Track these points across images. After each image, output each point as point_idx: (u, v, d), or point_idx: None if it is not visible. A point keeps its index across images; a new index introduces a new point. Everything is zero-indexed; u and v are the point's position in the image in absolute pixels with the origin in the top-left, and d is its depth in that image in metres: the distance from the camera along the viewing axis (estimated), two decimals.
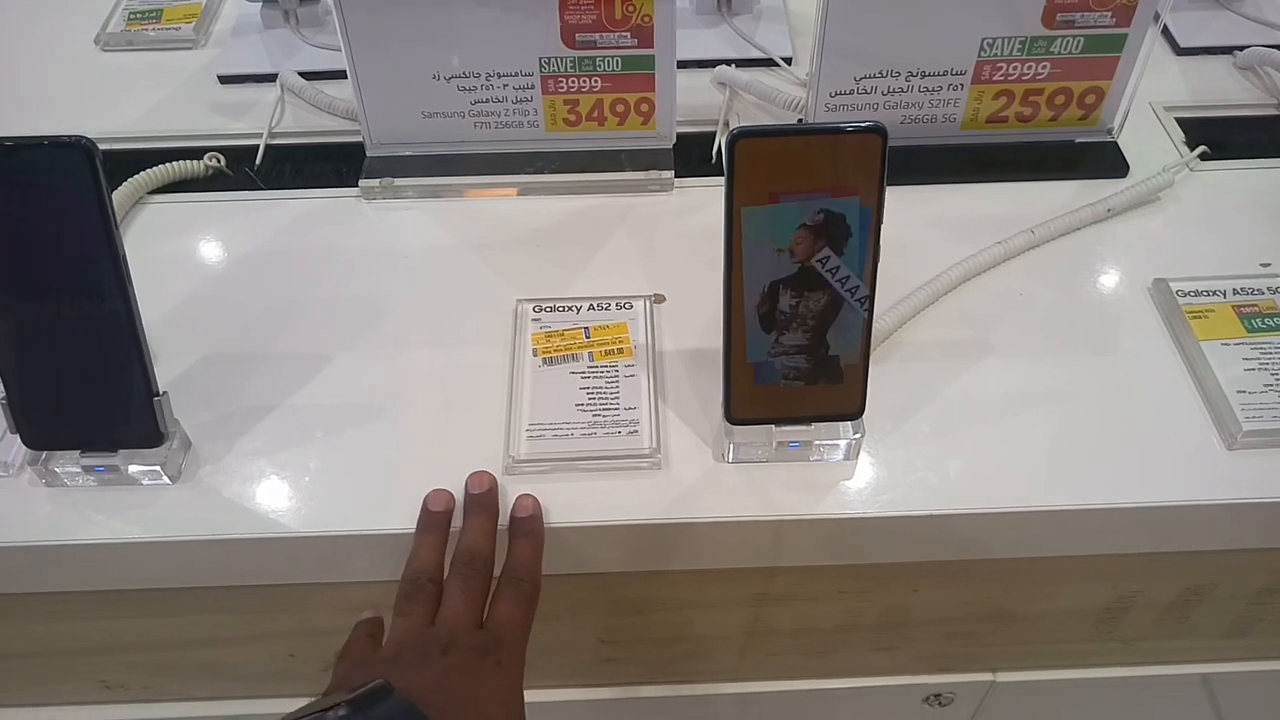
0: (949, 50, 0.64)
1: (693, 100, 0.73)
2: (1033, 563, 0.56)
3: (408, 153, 0.69)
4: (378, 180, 0.68)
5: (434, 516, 0.51)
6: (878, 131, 0.44)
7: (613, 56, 0.65)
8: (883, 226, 0.46)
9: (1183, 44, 0.76)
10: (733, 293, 0.48)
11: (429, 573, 0.49)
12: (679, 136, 0.70)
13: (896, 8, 0.62)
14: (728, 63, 0.75)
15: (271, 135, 0.73)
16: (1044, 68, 0.65)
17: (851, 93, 0.66)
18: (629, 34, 0.64)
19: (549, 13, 0.63)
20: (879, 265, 0.47)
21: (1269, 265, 0.61)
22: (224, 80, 0.77)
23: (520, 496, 0.52)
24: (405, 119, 0.68)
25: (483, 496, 0.52)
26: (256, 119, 0.74)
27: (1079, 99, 0.67)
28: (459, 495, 0.52)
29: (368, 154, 0.69)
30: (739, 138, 0.45)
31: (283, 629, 0.59)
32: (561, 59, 0.65)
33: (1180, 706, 0.72)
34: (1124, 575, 0.58)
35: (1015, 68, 0.65)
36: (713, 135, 0.71)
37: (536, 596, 0.50)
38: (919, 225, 0.64)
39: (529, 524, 0.51)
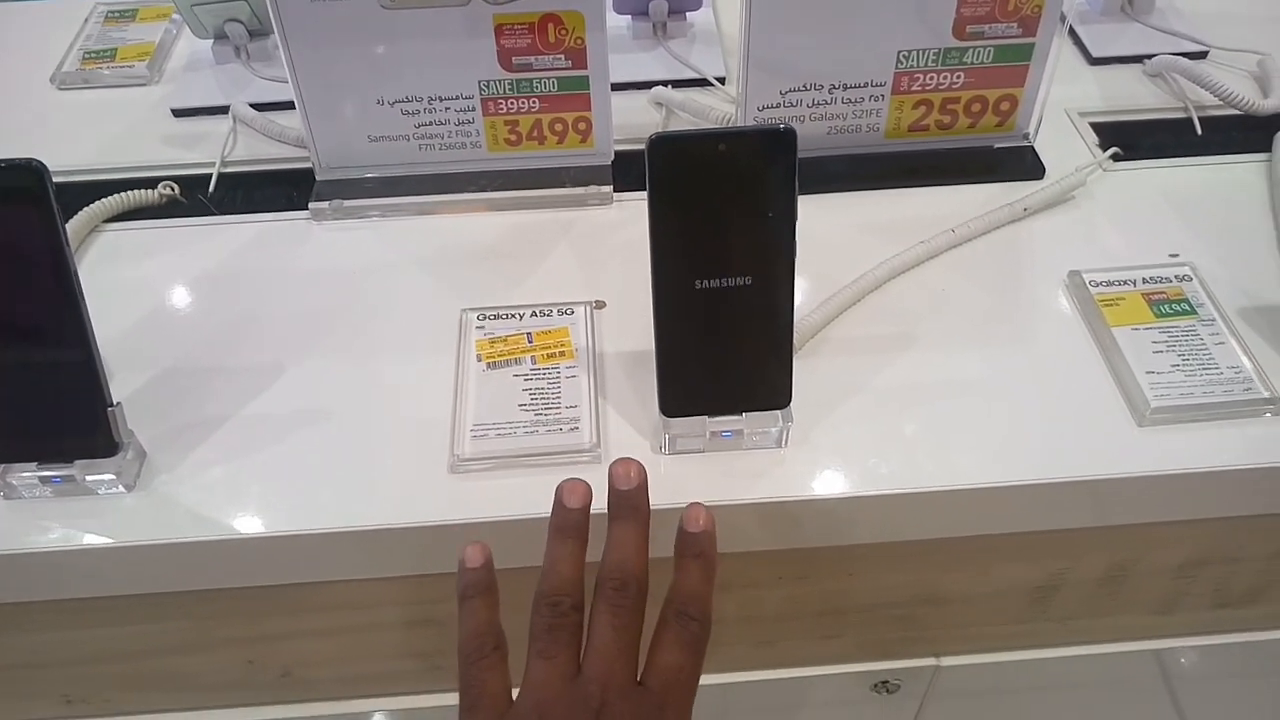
0: (868, 63, 0.68)
1: (632, 120, 0.76)
2: (961, 542, 0.58)
3: (356, 176, 0.72)
4: (327, 203, 0.70)
5: (571, 516, 0.44)
6: (787, 131, 0.48)
7: (549, 78, 0.68)
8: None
9: (1095, 54, 0.81)
10: (660, 293, 0.51)
11: (571, 595, 0.42)
12: (618, 154, 0.73)
13: (815, 24, 0.66)
14: (664, 84, 0.79)
15: (224, 164, 0.75)
16: (959, 77, 0.69)
17: (777, 106, 0.69)
18: (563, 56, 0.67)
19: (486, 38, 0.66)
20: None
21: (1176, 256, 0.65)
22: (177, 114, 0.80)
23: (691, 506, 0.46)
24: (352, 143, 0.70)
25: (632, 495, 0.44)
26: (210, 149, 0.76)
27: (994, 106, 0.71)
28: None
29: (317, 178, 0.71)
30: (656, 141, 0.48)
31: (240, 634, 0.60)
32: (500, 82, 0.68)
33: (1124, 685, 0.74)
34: (1050, 553, 0.61)
35: (931, 78, 0.69)
36: None
37: (706, 638, 0.43)
38: (847, 229, 0.68)
39: (701, 542, 0.44)
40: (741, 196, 0.49)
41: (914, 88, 0.69)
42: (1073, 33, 0.83)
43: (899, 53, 0.68)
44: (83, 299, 0.50)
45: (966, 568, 0.61)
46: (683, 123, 0.77)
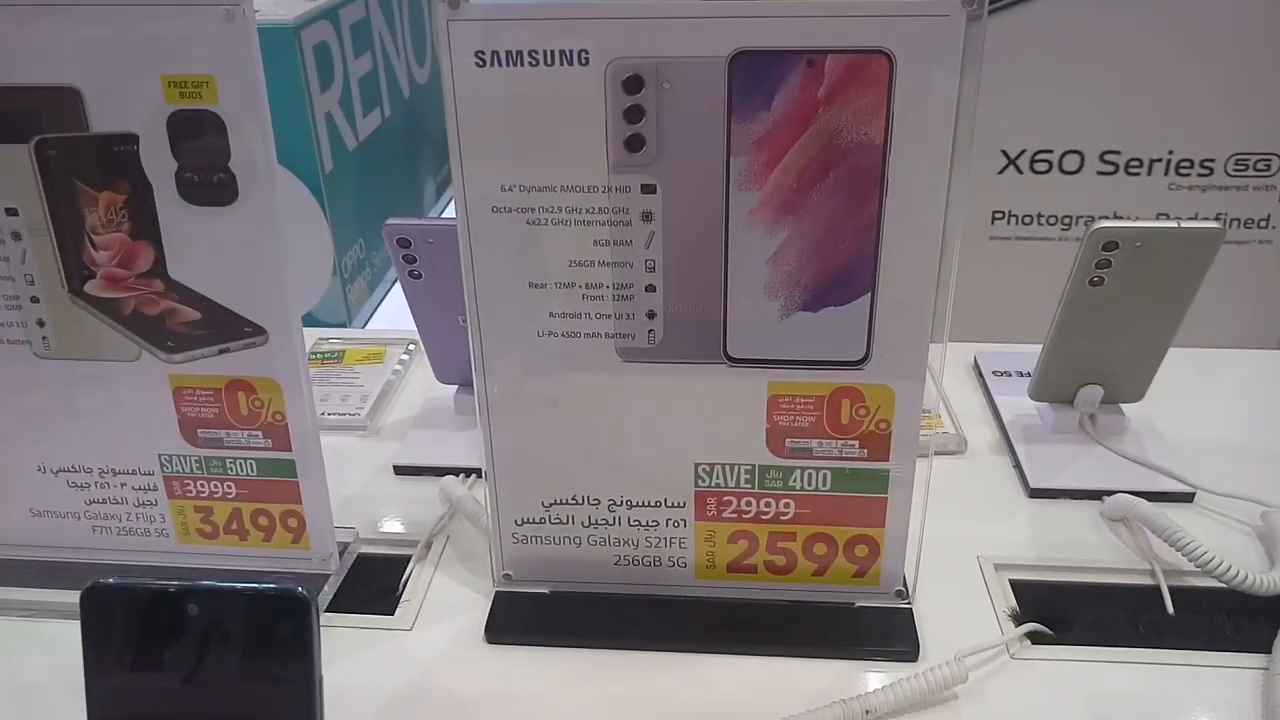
0: (657, 474, 0.50)
1: (411, 513, 0.60)
2: None
3: (19, 556, 0.56)
4: None
5: None
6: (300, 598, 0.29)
7: (245, 459, 0.52)
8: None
9: (1034, 484, 0.60)
10: None
11: None
12: (370, 558, 0.56)
13: (569, 433, 0.49)
14: (462, 472, 0.62)
15: None
16: (787, 506, 0.50)
17: (541, 522, 0.51)
18: (260, 433, 0.51)
19: (164, 403, 0.51)
20: None
21: None
22: None
23: None
24: (12, 516, 0.55)
25: None
26: None
27: (846, 549, 0.50)
28: None
29: None
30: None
31: None
32: (185, 458, 0.53)
33: None
34: None
35: (749, 503, 0.50)
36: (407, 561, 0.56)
37: None
38: (614, 715, 0.46)
39: None
40: (229, 666, 0.31)
41: (725, 514, 0.50)
42: (1012, 451, 0.63)
43: (697, 465, 0.49)
44: None
45: None
46: (462, 522, 0.59)
